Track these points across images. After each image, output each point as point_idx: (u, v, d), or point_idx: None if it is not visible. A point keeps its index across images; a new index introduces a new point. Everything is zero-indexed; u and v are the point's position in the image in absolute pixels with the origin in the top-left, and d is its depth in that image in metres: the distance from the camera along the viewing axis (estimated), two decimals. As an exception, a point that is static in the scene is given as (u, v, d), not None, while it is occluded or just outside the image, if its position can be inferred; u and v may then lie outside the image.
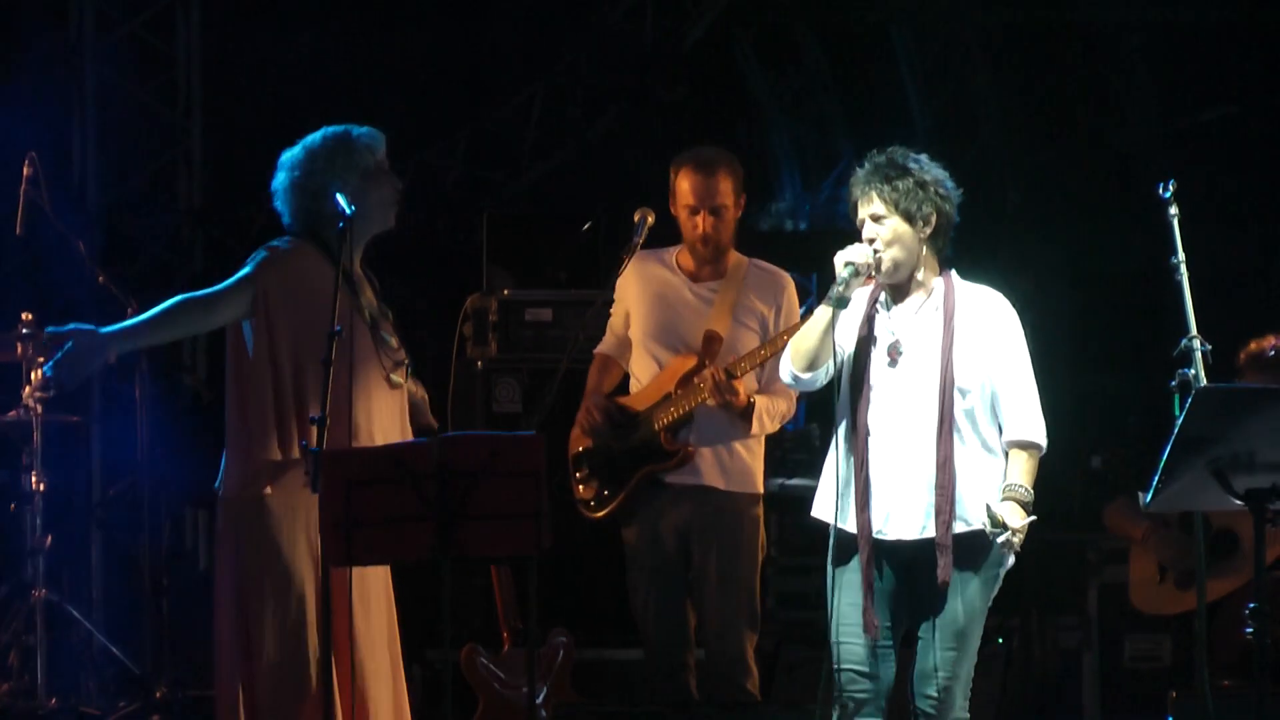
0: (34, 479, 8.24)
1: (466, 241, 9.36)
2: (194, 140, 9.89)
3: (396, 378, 6.11)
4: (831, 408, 5.80)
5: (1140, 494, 5.42)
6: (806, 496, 5.92)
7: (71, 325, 5.85)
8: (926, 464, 5.64)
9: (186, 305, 5.95)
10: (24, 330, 8.14)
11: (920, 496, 5.65)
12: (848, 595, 5.71)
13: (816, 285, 7.82)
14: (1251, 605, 5.47)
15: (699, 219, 7.00)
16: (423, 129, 9.95)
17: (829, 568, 5.74)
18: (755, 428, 6.95)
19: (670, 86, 10.04)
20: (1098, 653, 8.56)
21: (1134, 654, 8.52)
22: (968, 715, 5.73)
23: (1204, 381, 5.56)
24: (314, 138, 6.09)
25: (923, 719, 5.71)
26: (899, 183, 5.67)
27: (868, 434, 5.68)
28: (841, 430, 5.76)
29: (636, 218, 6.93)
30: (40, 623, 8.17)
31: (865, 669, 5.69)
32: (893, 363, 5.72)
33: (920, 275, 5.74)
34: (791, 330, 6.78)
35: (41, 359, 8.11)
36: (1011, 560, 5.70)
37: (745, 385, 6.91)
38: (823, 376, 5.73)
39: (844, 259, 5.64)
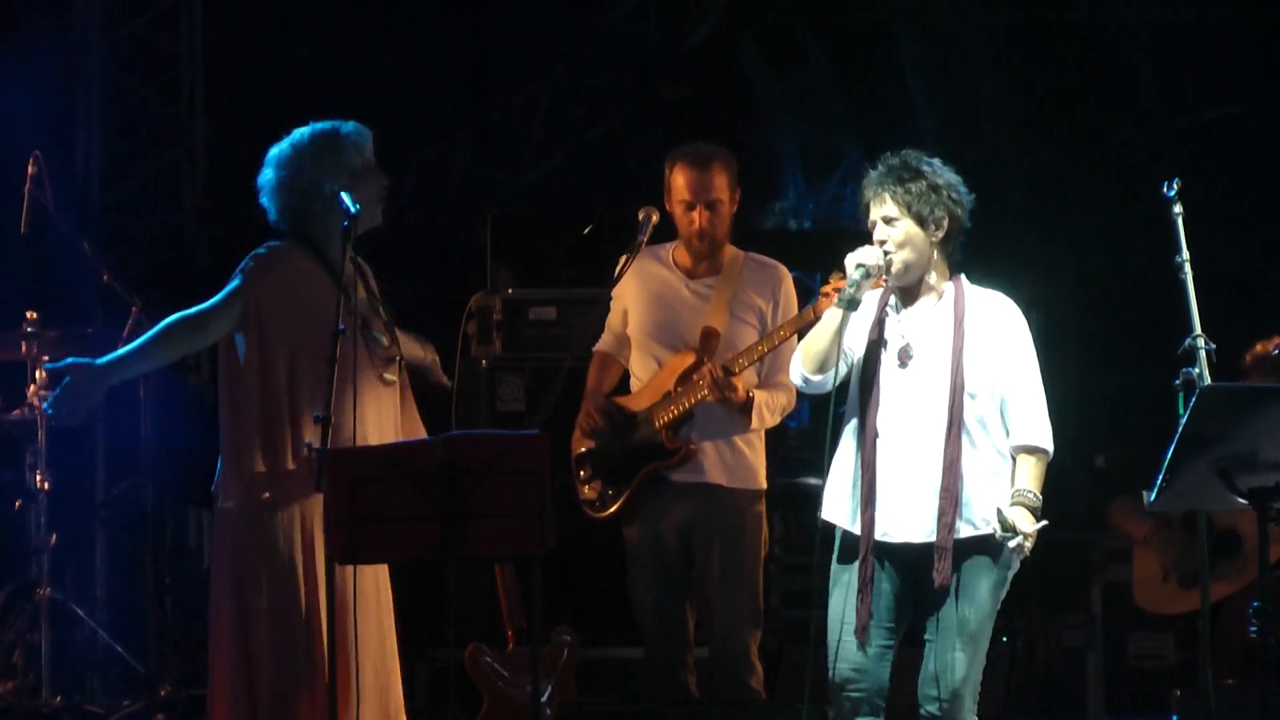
0: (38, 478, 8.25)
1: (470, 241, 9.36)
2: (197, 139, 9.89)
3: (389, 376, 6.10)
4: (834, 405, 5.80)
5: (1144, 493, 5.42)
6: (810, 494, 5.93)
7: (68, 361, 5.83)
8: (935, 467, 5.65)
9: (179, 326, 5.92)
10: (28, 329, 8.15)
11: (928, 499, 5.65)
12: (849, 595, 5.71)
13: (819, 284, 7.80)
14: (1255, 604, 5.48)
15: (694, 214, 7.01)
16: (426, 128, 9.96)
17: (833, 566, 5.75)
18: (755, 422, 6.96)
19: (673, 86, 10.04)
20: (1102, 651, 8.57)
21: (1138, 653, 8.52)
22: (976, 718, 5.73)
23: (1208, 380, 5.57)
24: (301, 135, 6.05)
25: (930, 723, 5.72)
26: (912, 185, 5.67)
27: (876, 436, 5.69)
28: (850, 432, 5.77)
29: (640, 216, 6.95)
30: (44, 621, 8.18)
31: (862, 669, 5.69)
32: (903, 365, 5.72)
33: (931, 279, 5.74)
34: (789, 325, 6.80)
35: (45, 357, 8.12)
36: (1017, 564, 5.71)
37: (744, 380, 6.91)
38: (833, 379, 5.73)
39: (854, 261, 5.64)
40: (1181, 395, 5.51)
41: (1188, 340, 5.63)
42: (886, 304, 5.77)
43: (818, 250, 8.94)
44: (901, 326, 5.75)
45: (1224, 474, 5.34)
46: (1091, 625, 8.62)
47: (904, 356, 5.73)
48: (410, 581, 6.28)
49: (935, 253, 5.72)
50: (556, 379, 6.58)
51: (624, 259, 6.99)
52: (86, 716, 8.15)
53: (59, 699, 8.15)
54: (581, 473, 7.10)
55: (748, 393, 6.91)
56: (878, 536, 5.67)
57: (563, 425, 7.04)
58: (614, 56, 10.07)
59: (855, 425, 5.75)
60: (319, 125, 6.06)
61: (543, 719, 6.95)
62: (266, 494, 5.88)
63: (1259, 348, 7.65)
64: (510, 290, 8.40)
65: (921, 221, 5.68)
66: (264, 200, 6.07)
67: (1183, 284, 5.68)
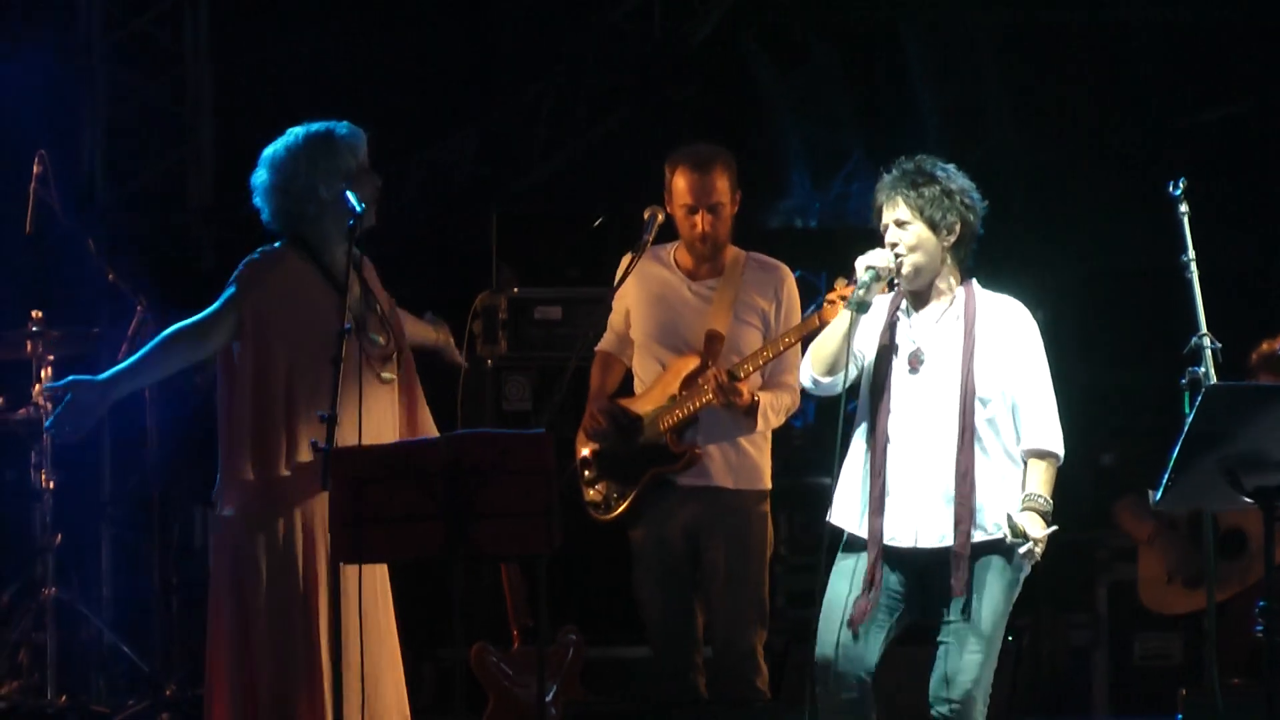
0: (44, 477, 8.25)
1: (475, 240, 9.35)
2: (202, 138, 9.88)
3: (387, 374, 6.08)
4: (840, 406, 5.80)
5: (1150, 492, 5.42)
6: (816, 493, 5.93)
7: (69, 378, 5.81)
8: (946, 473, 5.65)
9: (178, 337, 5.88)
10: (33, 328, 8.16)
11: (940, 506, 5.65)
12: (846, 588, 5.70)
13: (825, 283, 7.81)
14: (1261, 603, 5.49)
15: (696, 218, 6.99)
16: (429, 128, 9.95)
17: (838, 555, 5.75)
18: (760, 424, 6.95)
19: (678, 85, 10.04)
20: (1107, 651, 8.57)
21: (1144, 652, 8.53)
22: (985, 720, 5.75)
23: (1214, 379, 5.57)
24: (295, 137, 5.99)
25: (941, 725, 5.72)
26: (925, 190, 5.68)
27: (887, 441, 5.69)
28: (861, 436, 5.77)
29: (646, 215, 6.93)
30: (50, 621, 8.19)
31: (848, 647, 5.68)
32: (914, 371, 5.72)
33: (942, 284, 5.75)
34: (794, 333, 6.80)
35: (51, 356, 8.12)
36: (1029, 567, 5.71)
37: (749, 382, 6.91)
38: (843, 381, 5.72)
39: (865, 263, 5.65)
40: (1187, 394, 5.51)
41: (1194, 339, 5.64)
42: (898, 309, 5.77)
43: (824, 249, 8.96)
44: (913, 331, 5.75)
45: (1230, 473, 5.34)
46: (1097, 624, 8.62)
47: (915, 362, 5.73)
48: (415, 581, 6.27)
49: (947, 258, 5.72)
50: (562, 378, 6.57)
51: (629, 258, 6.97)
52: (92, 716, 8.15)
53: (64, 698, 8.16)
54: (587, 475, 7.10)
55: (752, 395, 6.90)
56: (886, 541, 5.67)
57: (569, 424, 7.04)
58: (619, 56, 10.06)
59: (866, 430, 5.74)
60: (313, 126, 6.01)
61: (548, 718, 6.95)
62: (265, 500, 5.86)
63: (1265, 346, 7.65)
64: (515, 290, 8.39)
65: (933, 226, 5.68)
66: (257, 201, 6.02)
67: (1189, 283, 5.68)
